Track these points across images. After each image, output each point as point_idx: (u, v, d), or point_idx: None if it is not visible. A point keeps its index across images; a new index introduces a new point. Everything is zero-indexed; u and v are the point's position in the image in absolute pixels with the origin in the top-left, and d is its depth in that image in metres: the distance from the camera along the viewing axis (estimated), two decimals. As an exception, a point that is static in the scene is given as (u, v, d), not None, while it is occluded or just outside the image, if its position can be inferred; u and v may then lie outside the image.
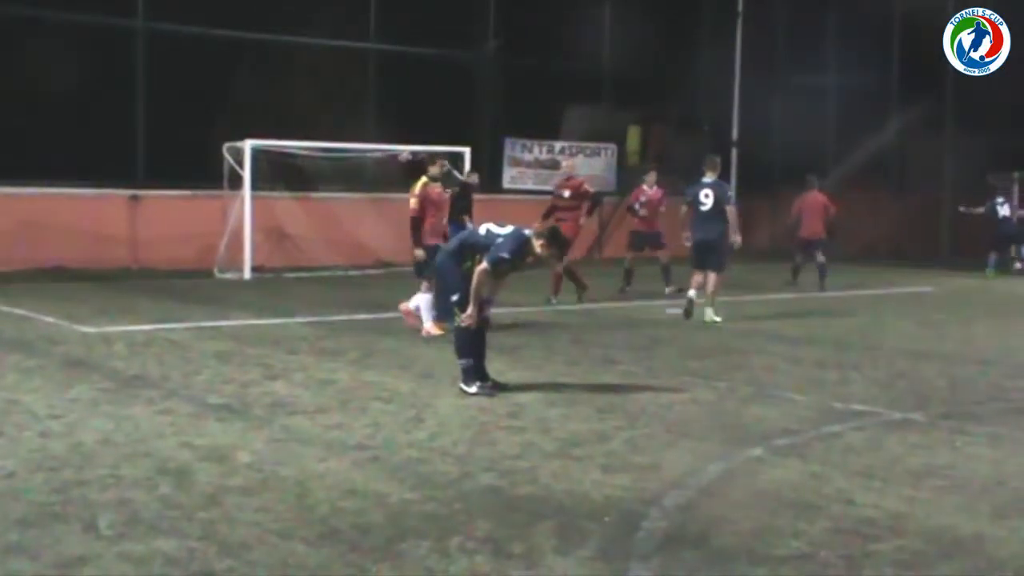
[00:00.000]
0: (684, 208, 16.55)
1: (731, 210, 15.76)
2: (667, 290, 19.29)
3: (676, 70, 30.47)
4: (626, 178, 28.82)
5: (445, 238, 13.38)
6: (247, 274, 21.56)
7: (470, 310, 9.94)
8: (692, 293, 15.87)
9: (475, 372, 10.17)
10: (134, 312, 15.88)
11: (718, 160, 16.59)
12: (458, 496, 6.88)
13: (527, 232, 10.19)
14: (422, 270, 13.73)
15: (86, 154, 21.64)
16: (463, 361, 10.18)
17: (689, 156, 27.77)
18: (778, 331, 15.21)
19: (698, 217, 15.84)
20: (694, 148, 29.31)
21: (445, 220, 14.55)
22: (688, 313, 15.73)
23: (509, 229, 10.18)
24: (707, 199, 15.71)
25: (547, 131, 28.89)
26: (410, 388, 10.42)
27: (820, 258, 20.88)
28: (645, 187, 20.40)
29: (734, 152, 31.65)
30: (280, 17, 24.56)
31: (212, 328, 14.47)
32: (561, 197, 18.19)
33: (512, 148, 28.06)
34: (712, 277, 15.72)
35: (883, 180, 32.50)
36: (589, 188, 18.70)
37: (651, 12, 28.78)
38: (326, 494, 6.84)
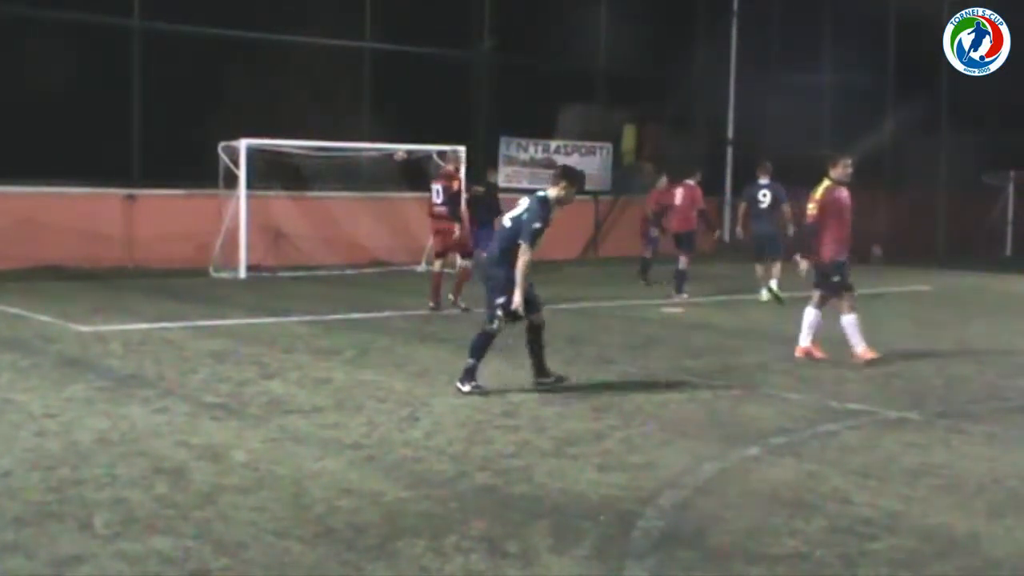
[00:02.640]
0: (743, 206, 19.20)
1: (786, 207, 18.27)
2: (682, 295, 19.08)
3: (671, 69, 30.47)
4: (621, 177, 28.85)
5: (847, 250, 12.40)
6: (243, 273, 21.54)
7: (517, 296, 9.95)
8: (773, 284, 18.08)
9: (474, 373, 10.18)
10: (130, 311, 15.87)
11: (769, 164, 18.71)
12: (453, 495, 6.88)
13: (541, 193, 10.32)
14: (833, 288, 12.38)
15: (82, 153, 21.57)
16: (470, 361, 10.17)
17: (684, 155, 27.83)
18: (774, 330, 15.21)
19: (758, 213, 18.47)
20: (689, 147, 29.37)
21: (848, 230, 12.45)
22: (779, 300, 17.81)
23: (524, 203, 10.26)
24: (764, 198, 18.37)
25: (542, 130, 28.88)
26: (405, 387, 10.42)
27: (648, 253, 21.78)
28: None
29: (729, 151, 31.67)
30: (276, 16, 24.52)
31: (208, 327, 14.46)
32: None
33: (507, 147, 28.05)
34: (777, 263, 18.02)
35: (878, 179, 32.49)
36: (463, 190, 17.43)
37: (647, 11, 28.77)
38: (322, 493, 6.84)
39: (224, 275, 21.45)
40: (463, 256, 16.36)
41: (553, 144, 28.86)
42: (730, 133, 31.87)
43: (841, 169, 12.27)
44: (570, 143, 29.10)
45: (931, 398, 10.46)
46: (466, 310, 15.79)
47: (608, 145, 29.55)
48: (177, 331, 13.97)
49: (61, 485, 6.91)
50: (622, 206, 28.13)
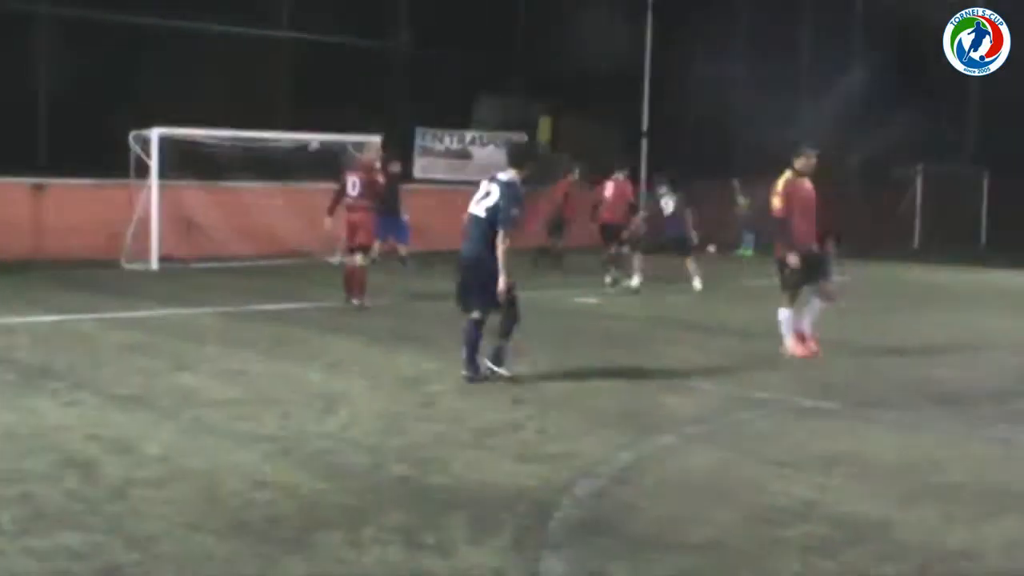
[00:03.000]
0: (646, 214, 19.98)
1: (689, 213, 19.55)
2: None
3: (588, 59, 30.52)
4: (537, 168, 28.84)
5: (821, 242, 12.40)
6: (155, 264, 21.28)
7: (502, 283, 10.03)
8: (697, 282, 18.87)
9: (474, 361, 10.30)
10: (38, 303, 15.59)
11: (666, 175, 20.08)
12: (370, 487, 6.85)
13: (505, 178, 10.32)
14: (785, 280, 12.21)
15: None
16: (504, 341, 10.35)
17: (601, 147, 27.94)
18: (690, 320, 15.34)
19: (666, 218, 19.32)
20: (605, 138, 29.48)
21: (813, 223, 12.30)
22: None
23: (494, 190, 10.21)
24: (667, 205, 19.34)
25: (459, 121, 28.85)
26: (320, 378, 10.35)
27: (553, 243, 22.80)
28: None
29: (644, 143, 31.83)
30: (191, 3, 24.21)
31: (119, 319, 14.26)
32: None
33: (423, 138, 27.98)
34: (689, 259, 19.15)
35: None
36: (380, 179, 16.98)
37: (564, 1, 28.87)
38: (236, 486, 6.76)
39: (136, 266, 21.17)
40: (363, 251, 15.82)
41: (468, 135, 28.84)
42: (644, 125, 31.99)
43: (804, 160, 12.10)
44: (486, 134, 29.08)
45: (845, 387, 10.59)
46: (362, 307, 15.43)
47: (524, 136, 29.55)
48: (87, 323, 13.76)
49: (-33, 480, 6.77)
50: (536, 197, 28.12)
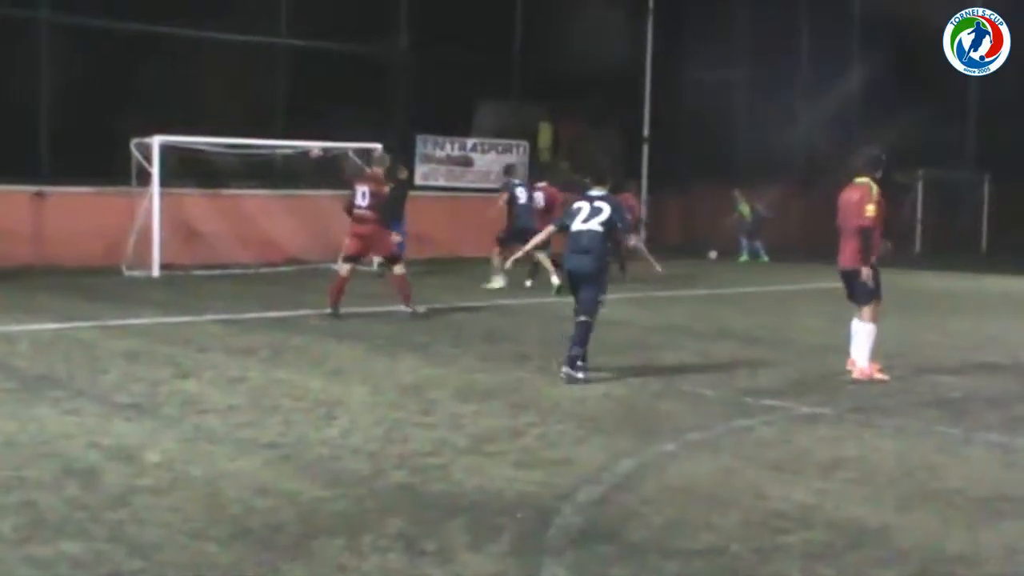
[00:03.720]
0: (503, 201, 20.42)
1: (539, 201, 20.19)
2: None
3: (588, 63, 30.53)
4: (538, 175, 28.91)
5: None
6: (156, 272, 21.26)
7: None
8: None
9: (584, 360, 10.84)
10: (39, 310, 15.59)
11: (516, 168, 21.46)
12: (370, 494, 6.85)
13: (602, 192, 11.18)
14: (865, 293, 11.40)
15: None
16: (580, 349, 10.76)
17: (601, 152, 27.92)
18: (690, 326, 15.35)
19: (519, 211, 19.80)
20: (606, 144, 29.47)
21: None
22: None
23: (602, 206, 10.97)
24: (521, 195, 19.99)
25: (459, 127, 28.85)
26: (321, 386, 10.35)
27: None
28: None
29: (645, 149, 31.83)
30: (190, 11, 24.23)
31: (120, 326, 14.26)
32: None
33: (424, 145, 27.99)
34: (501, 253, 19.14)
35: (792, 177, 32.85)
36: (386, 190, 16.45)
37: (563, 6, 28.87)
38: (237, 493, 6.77)
39: (137, 274, 21.15)
40: (393, 262, 15.71)
41: (470, 142, 28.85)
42: (645, 131, 32.00)
43: (881, 168, 11.39)
44: (487, 140, 29.09)
45: (843, 393, 10.60)
46: (421, 314, 15.29)
47: (524, 143, 29.59)
48: (88, 331, 13.76)
49: (-32, 488, 6.78)
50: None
